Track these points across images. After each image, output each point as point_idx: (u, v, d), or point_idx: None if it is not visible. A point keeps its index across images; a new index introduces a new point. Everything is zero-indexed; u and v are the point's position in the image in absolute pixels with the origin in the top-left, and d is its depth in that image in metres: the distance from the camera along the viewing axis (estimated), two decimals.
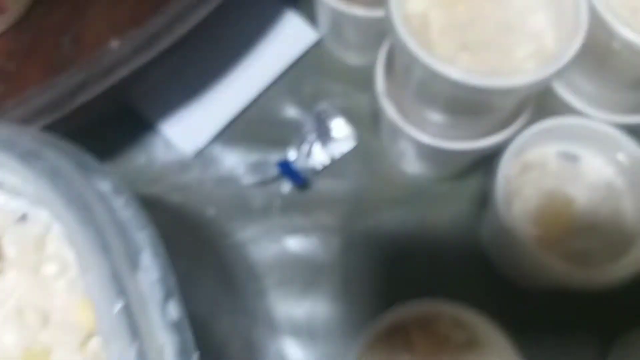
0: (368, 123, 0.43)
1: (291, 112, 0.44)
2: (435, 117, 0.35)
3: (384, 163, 0.43)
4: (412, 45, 0.29)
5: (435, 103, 0.33)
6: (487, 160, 0.37)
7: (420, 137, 0.36)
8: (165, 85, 0.43)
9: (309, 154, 0.42)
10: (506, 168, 0.35)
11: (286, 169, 0.41)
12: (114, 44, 0.35)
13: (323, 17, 0.43)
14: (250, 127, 0.44)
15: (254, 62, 0.45)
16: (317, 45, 0.45)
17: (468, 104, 0.32)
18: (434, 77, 0.29)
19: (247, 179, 0.42)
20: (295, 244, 0.41)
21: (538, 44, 0.32)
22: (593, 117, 0.37)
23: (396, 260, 0.40)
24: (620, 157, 0.36)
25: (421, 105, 0.35)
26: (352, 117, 0.43)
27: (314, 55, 0.45)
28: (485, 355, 0.34)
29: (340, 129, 0.43)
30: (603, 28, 0.31)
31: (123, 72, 0.35)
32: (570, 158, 0.37)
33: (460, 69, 0.30)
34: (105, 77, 0.35)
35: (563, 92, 0.38)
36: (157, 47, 0.36)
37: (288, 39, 0.45)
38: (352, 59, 0.46)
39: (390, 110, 0.37)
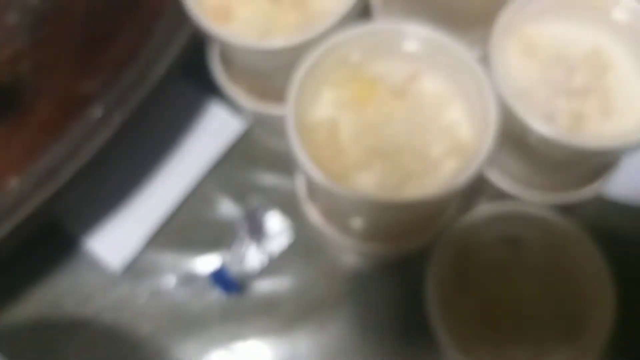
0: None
1: (223, 209, 0.42)
2: (357, 222, 0.33)
3: (323, 255, 0.41)
4: (305, 161, 0.28)
5: (351, 212, 0.32)
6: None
7: (343, 242, 0.34)
8: (84, 198, 0.40)
9: (243, 257, 0.40)
10: (439, 262, 0.34)
11: (220, 279, 0.39)
12: (14, 181, 0.33)
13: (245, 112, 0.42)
14: (181, 231, 0.41)
15: (178, 161, 0.43)
16: (244, 134, 0.44)
17: (384, 214, 0.31)
18: (337, 194, 0.27)
19: (181, 292, 0.40)
20: (236, 355, 0.38)
21: (453, 139, 0.31)
22: (524, 198, 0.35)
23: None
24: (558, 238, 0.34)
25: (341, 210, 0.33)
26: (286, 208, 0.42)
27: (242, 146, 0.44)
28: None
29: (276, 223, 0.41)
30: (517, 121, 0.30)
31: (28, 209, 0.33)
32: (510, 242, 0.35)
33: (364, 185, 0.28)
34: (8, 219, 0.33)
35: (492, 175, 0.36)
36: (62, 177, 0.34)
37: (213, 132, 0.43)
38: (282, 145, 0.44)
39: (312, 214, 0.35)
